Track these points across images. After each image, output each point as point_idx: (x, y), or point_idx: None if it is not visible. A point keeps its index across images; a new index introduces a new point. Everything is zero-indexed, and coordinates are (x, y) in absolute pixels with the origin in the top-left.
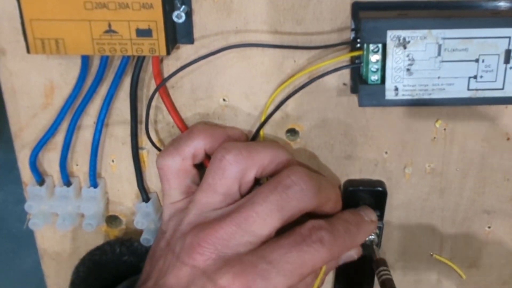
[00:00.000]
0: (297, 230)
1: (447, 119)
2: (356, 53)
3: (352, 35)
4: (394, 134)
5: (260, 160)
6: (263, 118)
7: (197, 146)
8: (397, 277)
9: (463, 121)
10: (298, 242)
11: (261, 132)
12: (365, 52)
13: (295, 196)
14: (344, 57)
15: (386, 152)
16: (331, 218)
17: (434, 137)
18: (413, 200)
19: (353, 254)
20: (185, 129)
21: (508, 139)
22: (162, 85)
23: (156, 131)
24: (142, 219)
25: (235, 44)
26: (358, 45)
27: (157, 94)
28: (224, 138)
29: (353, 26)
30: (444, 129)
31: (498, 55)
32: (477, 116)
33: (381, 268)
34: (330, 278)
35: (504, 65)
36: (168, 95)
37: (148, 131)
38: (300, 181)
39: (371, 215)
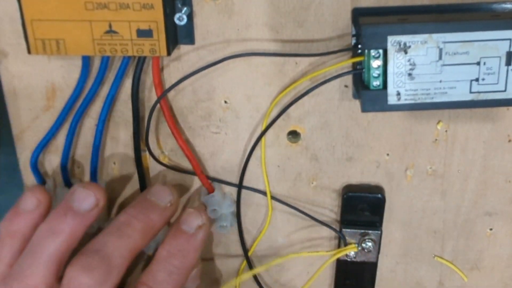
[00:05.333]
0: None
1: (449, 121)
2: (357, 59)
3: (353, 41)
4: (396, 136)
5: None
6: (264, 124)
7: None
8: (398, 278)
9: (464, 123)
10: None
11: (263, 140)
12: (366, 58)
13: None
14: (346, 63)
15: (387, 154)
16: (150, 266)
17: (436, 139)
18: (415, 202)
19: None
20: (181, 138)
21: (509, 141)
22: (163, 96)
23: (158, 134)
24: None
25: (238, 54)
26: (359, 51)
27: (157, 95)
28: None
29: (353, 32)
30: (446, 131)
31: (500, 57)
32: (478, 118)
33: None
34: (330, 283)
35: (506, 67)
36: (168, 105)
37: (148, 142)
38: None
39: (193, 222)
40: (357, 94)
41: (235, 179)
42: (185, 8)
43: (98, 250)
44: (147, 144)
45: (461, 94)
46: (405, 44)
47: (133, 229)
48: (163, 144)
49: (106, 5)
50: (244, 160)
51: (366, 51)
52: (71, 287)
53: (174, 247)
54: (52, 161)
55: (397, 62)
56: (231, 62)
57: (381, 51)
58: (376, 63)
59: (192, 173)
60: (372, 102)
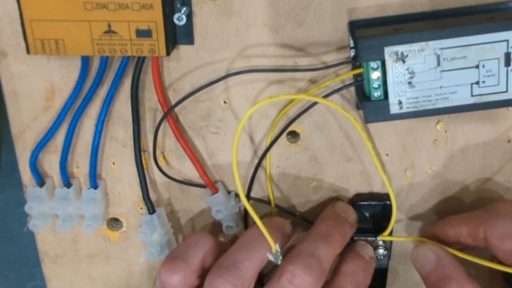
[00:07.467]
0: None
1: (448, 121)
2: (357, 71)
3: (352, 52)
4: (395, 136)
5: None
6: (270, 135)
7: (206, 258)
8: (399, 279)
9: (464, 123)
10: None
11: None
12: (365, 70)
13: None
14: (347, 76)
15: (387, 155)
16: (335, 279)
17: (435, 140)
18: (414, 203)
19: None
20: (183, 140)
21: (509, 141)
22: (169, 112)
23: (161, 140)
24: (147, 231)
25: (238, 71)
26: (358, 63)
27: (156, 96)
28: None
29: (352, 44)
30: (445, 131)
31: (498, 59)
32: (478, 118)
33: None
34: None
35: (505, 68)
36: (175, 119)
37: (156, 158)
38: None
39: (368, 251)
40: (359, 105)
41: (233, 180)
42: (184, 8)
43: (313, 254)
44: (157, 165)
45: (463, 98)
46: (402, 53)
47: (335, 240)
48: (163, 144)
49: (105, 5)
50: (246, 168)
51: (364, 63)
52: (294, 282)
53: (358, 266)
54: (51, 161)
55: (396, 72)
56: (230, 61)
57: (379, 62)
58: (375, 75)
59: (194, 185)
60: (374, 112)
